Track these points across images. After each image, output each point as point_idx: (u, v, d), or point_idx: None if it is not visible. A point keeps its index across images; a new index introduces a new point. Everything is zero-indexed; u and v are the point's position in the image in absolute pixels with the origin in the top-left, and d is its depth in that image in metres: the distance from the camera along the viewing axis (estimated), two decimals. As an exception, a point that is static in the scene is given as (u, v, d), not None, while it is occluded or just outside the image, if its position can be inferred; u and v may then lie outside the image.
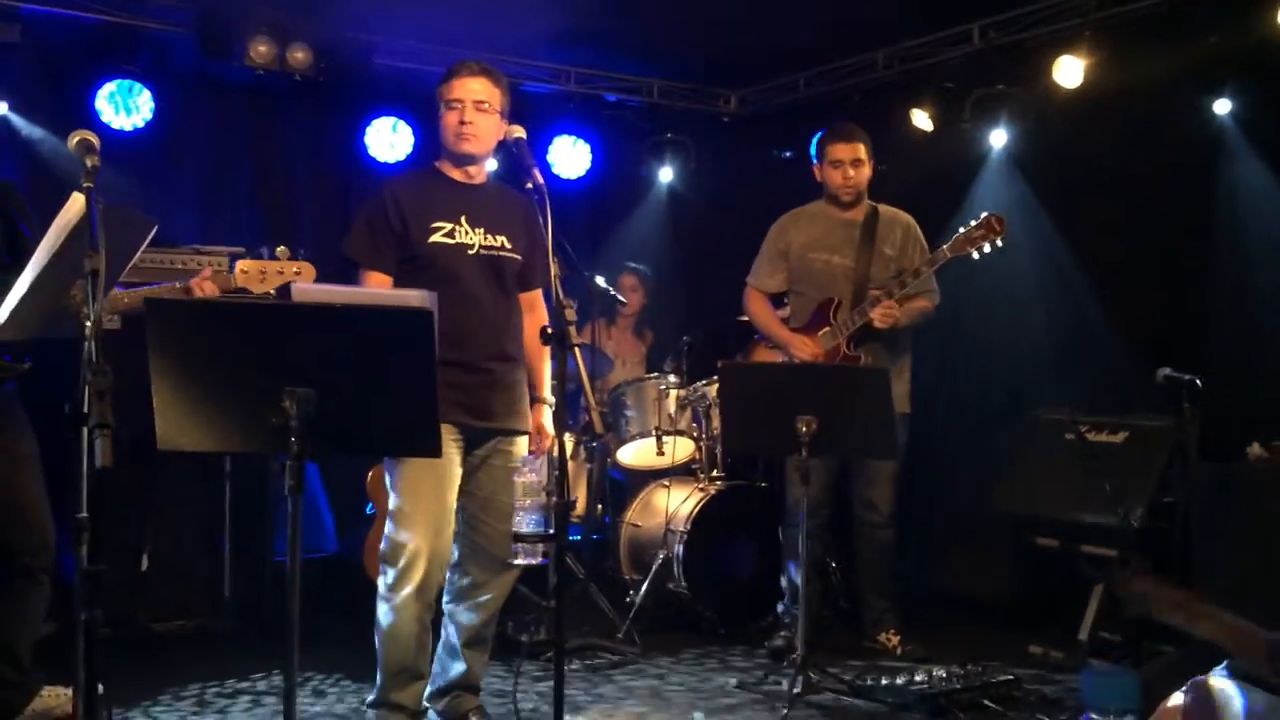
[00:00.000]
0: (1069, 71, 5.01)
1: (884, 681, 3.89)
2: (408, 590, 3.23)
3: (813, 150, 4.64)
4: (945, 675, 3.85)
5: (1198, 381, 4.05)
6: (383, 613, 3.28)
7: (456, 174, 3.43)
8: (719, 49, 6.01)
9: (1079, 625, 4.38)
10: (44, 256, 2.67)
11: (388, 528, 3.29)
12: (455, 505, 3.35)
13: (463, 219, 3.35)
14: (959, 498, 5.41)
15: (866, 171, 4.57)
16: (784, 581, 4.67)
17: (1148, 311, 4.99)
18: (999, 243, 4.29)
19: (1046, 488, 4.66)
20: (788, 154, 6.53)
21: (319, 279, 3.34)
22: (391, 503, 3.29)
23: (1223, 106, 4.80)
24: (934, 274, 4.54)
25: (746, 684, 4.12)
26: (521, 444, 3.49)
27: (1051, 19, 5.13)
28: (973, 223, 4.33)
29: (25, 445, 3.32)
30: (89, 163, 2.43)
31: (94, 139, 2.51)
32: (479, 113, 3.32)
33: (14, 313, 2.79)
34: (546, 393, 3.57)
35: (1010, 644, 4.48)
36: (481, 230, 3.37)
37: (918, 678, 3.87)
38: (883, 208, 4.61)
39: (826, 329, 4.47)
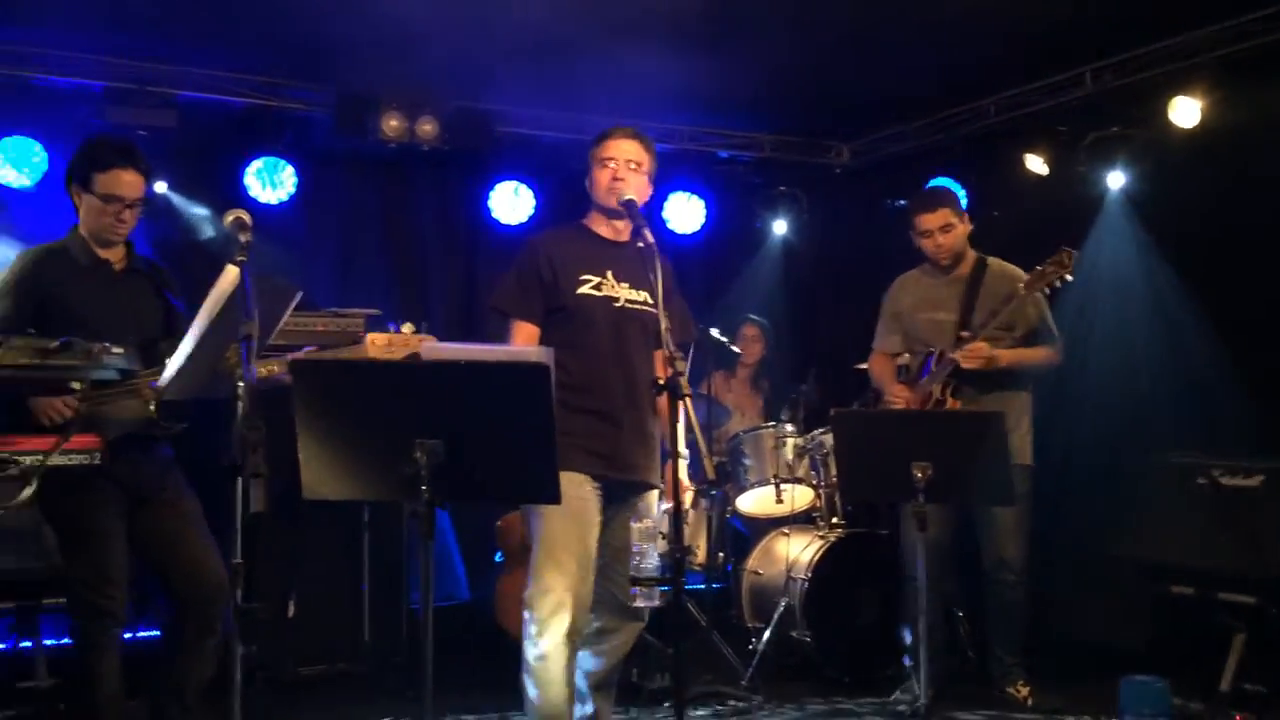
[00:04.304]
0: (1185, 112, 4.95)
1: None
2: (556, 637, 3.27)
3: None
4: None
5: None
6: (532, 658, 3.31)
7: (605, 230, 3.51)
8: (829, 102, 6.10)
9: (1219, 675, 4.25)
10: (202, 324, 2.89)
11: (531, 575, 3.34)
12: (596, 551, 3.38)
13: (609, 273, 3.45)
14: (1089, 544, 5.29)
15: (959, 232, 4.55)
16: (906, 631, 4.65)
17: (1271, 353, 4.84)
18: (1068, 277, 4.21)
19: (1179, 533, 4.53)
20: (900, 203, 6.55)
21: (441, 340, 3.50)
22: (535, 551, 3.35)
23: (1347, 141, 4.67)
24: (1051, 321, 4.52)
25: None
26: (653, 497, 3.52)
27: (1164, 60, 5.09)
28: (1048, 260, 4.24)
29: (188, 502, 3.53)
30: (243, 239, 2.63)
31: (247, 217, 2.70)
32: (630, 171, 3.46)
33: (177, 375, 3.04)
34: (681, 446, 3.57)
35: (1146, 694, 4.37)
36: (626, 285, 3.46)
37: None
38: (993, 262, 4.57)
39: (925, 379, 4.51)
